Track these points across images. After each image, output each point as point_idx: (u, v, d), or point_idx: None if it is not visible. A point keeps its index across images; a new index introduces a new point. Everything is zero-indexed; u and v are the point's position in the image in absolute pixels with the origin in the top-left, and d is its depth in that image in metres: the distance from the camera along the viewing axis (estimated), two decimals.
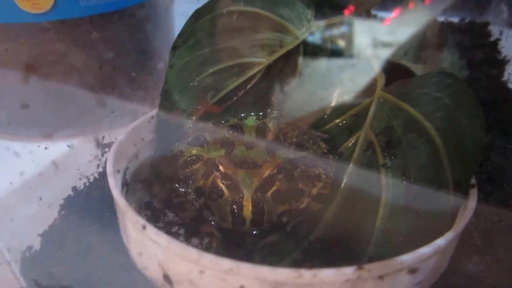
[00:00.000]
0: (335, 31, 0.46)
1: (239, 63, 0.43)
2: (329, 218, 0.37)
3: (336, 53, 0.46)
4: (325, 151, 0.42)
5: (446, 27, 0.66)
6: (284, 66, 0.45)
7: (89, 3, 0.51)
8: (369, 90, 0.43)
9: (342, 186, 0.38)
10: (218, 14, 0.42)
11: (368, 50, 0.45)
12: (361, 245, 0.34)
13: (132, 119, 0.42)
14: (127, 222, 0.29)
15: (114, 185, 0.31)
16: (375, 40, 0.46)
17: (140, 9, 0.58)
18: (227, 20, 0.42)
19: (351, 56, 0.46)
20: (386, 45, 0.47)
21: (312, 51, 0.46)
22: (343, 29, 0.46)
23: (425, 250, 0.28)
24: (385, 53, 0.46)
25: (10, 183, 0.38)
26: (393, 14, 0.50)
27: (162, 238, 0.26)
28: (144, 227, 0.26)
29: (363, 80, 0.44)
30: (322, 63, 0.46)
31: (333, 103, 0.45)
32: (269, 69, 0.44)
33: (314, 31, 0.44)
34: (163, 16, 0.64)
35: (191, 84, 0.43)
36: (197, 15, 0.42)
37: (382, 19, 0.49)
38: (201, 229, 0.33)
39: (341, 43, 0.46)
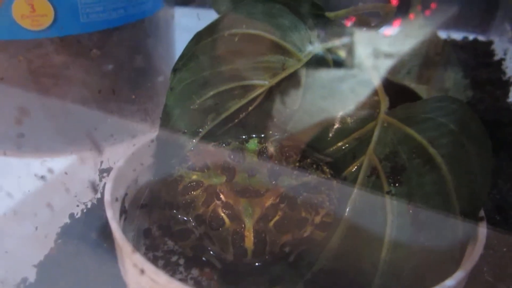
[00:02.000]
0: (339, 52, 0.45)
1: (241, 85, 0.43)
2: (332, 248, 0.36)
3: (340, 74, 0.45)
4: (329, 176, 0.41)
5: (449, 45, 0.66)
6: (286, 88, 0.44)
7: (89, 20, 0.50)
8: (373, 112, 0.42)
9: (346, 214, 0.37)
10: (219, 37, 0.41)
11: (373, 71, 0.45)
12: (366, 277, 0.34)
13: (131, 142, 0.41)
14: (125, 257, 0.28)
15: (112, 217, 0.31)
16: (380, 61, 0.46)
17: (141, 25, 0.57)
18: (229, 42, 0.42)
19: (355, 76, 0.45)
20: (391, 65, 0.46)
21: (316, 72, 0.45)
22: (347, 50, 0.46)
23: None
24: (390, 74, 0.45)
25: (4, 214, 0.37)
26: (394, 25, 0.49)
27: (162, 278, 0.25)
28: (142, 272, 0.25)
29: (367, 101, 0.43)
30: (326, 84, 0.45)
31: (337, 125, 0.44)
32: (271, 91, 0.43)
33: (318, 53, 0.44)
34: (164, 32, 0.63)
35: (191, 107, 0.42)
36: (198, 37, 0.42)
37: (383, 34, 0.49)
38: (203, 274, 0.32)
39: (345, 64, 0.46)
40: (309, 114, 0.44)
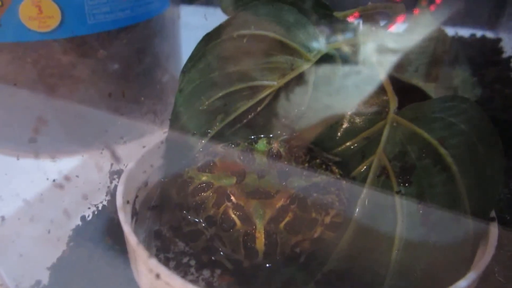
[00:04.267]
0: (348, 52, 0.45)
1: (250, 86, 0.43)
2: (342, 248, 0.36)
3: (348, 73, 0.45)
4: (338, 176, 0.41)
5: (456, 42, 0.65)
6: (295, 88, 0.44)
7: (96, 21, 0.50)
8: (382, 111, 0.42)
9: (356, 214, 0.37)
10: (228, 38, 0.41)
11: (381, 69, 0.45)
12: (377, 278, 0.34)
13: (141, 144, 0.41)
14: (139, 262, 0.29)
15: (125, 220, 0.31)
16: (387, 57, 0.45)
17: (148, 25, 0.57)
18: (238, 43, 0.42)
19: (364, 76, 0.45)
20: (398, 61, 0.46)
21: (324, 71, 0.45)
22: (356, 49, 0.46)
23: None
24: (398, 72, 0.45)
25: (18, 217, 0.38)
26: (399, 21, 0.49)
27: (176, 282, 0.26)
28: (158, 276, 0.26)
29: (376, 101, 0.43)
30: (334, 84, 0.45)
31: (345, 125, 0.44)
32: (280, 91, 0.43)
33: (326, 52, 0.44)
34: (170, 31, 0.63)
35: (200, 108, 0.42)
36: (207, 39, 0.42)
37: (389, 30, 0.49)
38: (219, 280, 0.33)
39: (354, 63, 0.46)
40: (318, 112, 0.44)
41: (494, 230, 0.32)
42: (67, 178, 0.37)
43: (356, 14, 0.48)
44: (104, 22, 0.51)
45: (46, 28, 0.48)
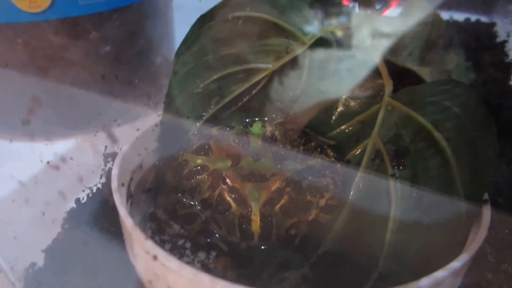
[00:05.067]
0: (343, 35, 0.45)
1: (245, 69, 0.42)
2: (337, 231, 0.36)
3: (343, 56, 0.45)
4: (333, 159, 0.41)
5: (451, 27, 0.65)
6: (290, 71, 0.44)
7: (88, 1, 0.49)
8: (377, 95, 0.42)
9: (350, 197, 0.37)
10: (223, 20, 0.41)
11: (375, 52, 0.44)
12: (371, 259, 0.34)
13: (134, 127, 0.41)
14: (136, 244, 0.29)
15: (120, 203, 0.31)
16: (381, 41, 0.45)
17: (140, 7, 0.56)
18: (233, 26, 0.41)
19: (359, 59, 0.45)
20: (392, 45, 0.46)
21: (319, 55, 0.45)
22: (350, 32, 0.46)
23: (441, 274, 0.27)
24: (392, 56, 0.45)
25: (13, 200, 0.37)
26: (393, 4, 0.49)
27: (173, 264, 0.26)
28: (155, 258, 0.26)
29: (371, 84, 0.43)
30: (329, 67, 0.45)
31: (340, 108, 0.44)
32: (274, 74, 0.43)
33: (322, 35, 0.43)
34: (163, 13, 0.62)
35: (195, 91, 0.42)
36: (202, 21, 0.41)
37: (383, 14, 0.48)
38: (214, 263, 0.33)
39: (349, 47, 0.46)
40: (312, 96, 0.44)
41: (486, 212, 0.32)
42: (61, 160, 0.37)
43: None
44: (96, 3, 0.50)
45: (37, 9, 0.47)
